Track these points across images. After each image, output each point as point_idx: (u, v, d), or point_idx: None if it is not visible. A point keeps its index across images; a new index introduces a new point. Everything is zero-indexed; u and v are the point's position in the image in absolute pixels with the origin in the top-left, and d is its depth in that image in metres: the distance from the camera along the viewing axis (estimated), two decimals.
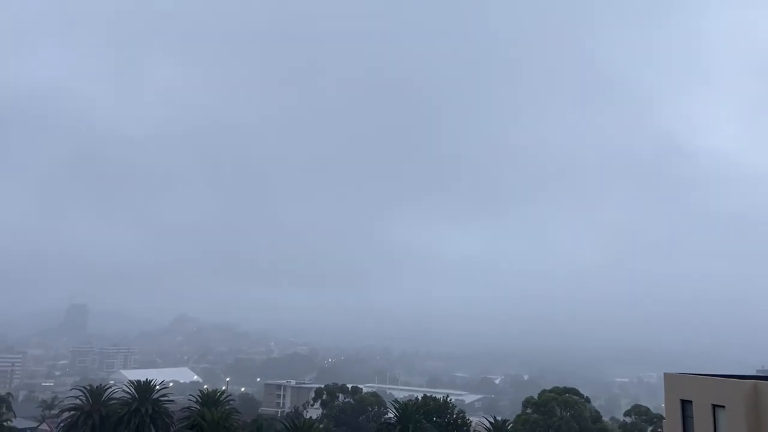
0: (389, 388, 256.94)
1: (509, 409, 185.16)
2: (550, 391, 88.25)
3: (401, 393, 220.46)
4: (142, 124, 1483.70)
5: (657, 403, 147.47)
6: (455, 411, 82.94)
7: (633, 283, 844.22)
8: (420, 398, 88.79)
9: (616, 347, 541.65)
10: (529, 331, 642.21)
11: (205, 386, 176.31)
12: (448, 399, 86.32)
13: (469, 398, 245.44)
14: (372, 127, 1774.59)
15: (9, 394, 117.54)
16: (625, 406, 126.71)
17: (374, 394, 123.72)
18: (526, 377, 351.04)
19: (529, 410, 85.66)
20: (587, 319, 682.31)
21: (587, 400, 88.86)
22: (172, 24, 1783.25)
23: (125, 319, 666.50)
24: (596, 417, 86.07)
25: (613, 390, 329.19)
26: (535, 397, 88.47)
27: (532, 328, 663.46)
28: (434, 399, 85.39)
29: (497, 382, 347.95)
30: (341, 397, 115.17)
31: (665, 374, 41.50)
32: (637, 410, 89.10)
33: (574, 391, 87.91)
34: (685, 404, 37.88)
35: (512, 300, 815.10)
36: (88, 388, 70.09)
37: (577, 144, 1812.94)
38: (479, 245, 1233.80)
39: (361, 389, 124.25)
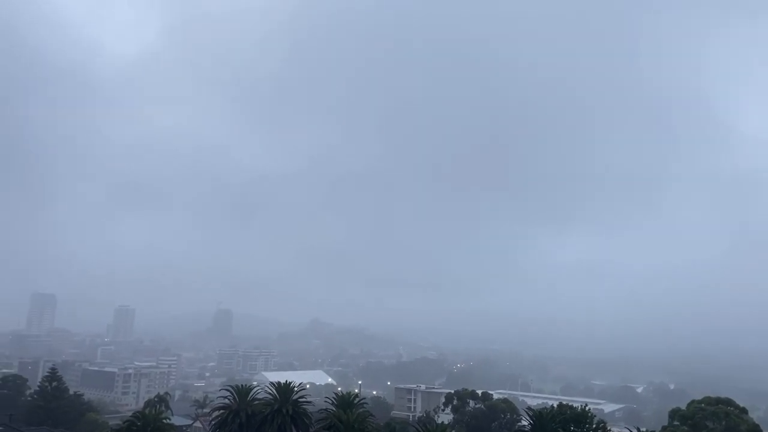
0: (521, 395, 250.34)
1: (654, 421, 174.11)
2: (700, 401, 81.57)
3: (534, 400, 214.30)
4: (282, 165, 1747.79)
5: None
6: (595, 421, 78.95)
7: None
8: (555, 406, 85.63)
9: None
10: (669, 336, 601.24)
11: (339, 388, 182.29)
12: (586, 408, 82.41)
13: (608, 407, 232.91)
14: (480, 141, 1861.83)
15: (167, 393, 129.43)
16: None
17: (506, 401, 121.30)
18: (671, 386, 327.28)
19: (676, 422, 79.69)
20: (734, 323, 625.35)
21: (744, 411, 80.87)
22: (304, 85, 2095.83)
23: (265, 323, 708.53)
24: (755, 430, 78.04)
25: None
26: (683, 407, 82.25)
27: (672, 332, 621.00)
28: (571, 407, 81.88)
29: (639, 390, 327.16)
30: (472, 402, 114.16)
31: None
32: None
33: (729, 402, 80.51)
34: None
35: (639, 303, 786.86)
36: (235, 388, 74.79)
37: (662, 155, 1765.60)
38: (584, 249, 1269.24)
39: (492, 395, 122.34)
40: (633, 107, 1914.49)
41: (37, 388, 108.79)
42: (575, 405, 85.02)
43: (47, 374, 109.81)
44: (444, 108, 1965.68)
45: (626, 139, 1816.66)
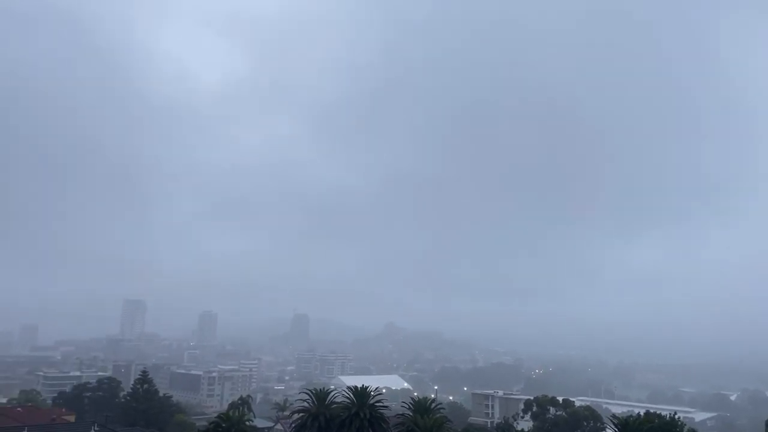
0: (604, 402, 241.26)
1: (749, 430, 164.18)
2: None
3: (618, 408, 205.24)
4: (358, 176, 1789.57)
5: None
6: (685, 429, 74.80)
7: None
8: (642, 414, 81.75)
9: None
10: (762, 340, 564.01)
11: (415, 393, 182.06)
12: (676, 416, 78.27)
13: (699, 416, 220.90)
14: (550, 148, 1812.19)
15: (249, 396, 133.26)
16: None
17: (588, 408, 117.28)
18: None
19: None
20: None
21: None
22: (374, 108, 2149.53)
23: (340, 328, 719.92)
24: None
25: None
26: None
27: (764, 336, 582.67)
28: (659, 416, 77.90)
29: (733, 398, 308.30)
30: (552, 409, 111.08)
31: None
32: None
33: None
34: None
35: (725, 307, 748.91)
36: (314, 392, 75.92)
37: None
38: (664, 253, 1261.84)
39: (573, 402, 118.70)
40: (707, 111, 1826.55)
41: (130, 390, 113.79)
42: (663, 413, 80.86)
43: (139, 377, 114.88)
44: (513, 114, 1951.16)
45: (699, 143, 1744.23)
